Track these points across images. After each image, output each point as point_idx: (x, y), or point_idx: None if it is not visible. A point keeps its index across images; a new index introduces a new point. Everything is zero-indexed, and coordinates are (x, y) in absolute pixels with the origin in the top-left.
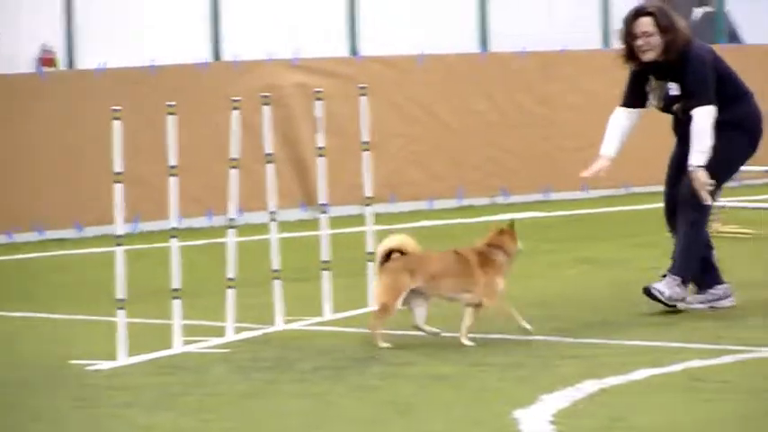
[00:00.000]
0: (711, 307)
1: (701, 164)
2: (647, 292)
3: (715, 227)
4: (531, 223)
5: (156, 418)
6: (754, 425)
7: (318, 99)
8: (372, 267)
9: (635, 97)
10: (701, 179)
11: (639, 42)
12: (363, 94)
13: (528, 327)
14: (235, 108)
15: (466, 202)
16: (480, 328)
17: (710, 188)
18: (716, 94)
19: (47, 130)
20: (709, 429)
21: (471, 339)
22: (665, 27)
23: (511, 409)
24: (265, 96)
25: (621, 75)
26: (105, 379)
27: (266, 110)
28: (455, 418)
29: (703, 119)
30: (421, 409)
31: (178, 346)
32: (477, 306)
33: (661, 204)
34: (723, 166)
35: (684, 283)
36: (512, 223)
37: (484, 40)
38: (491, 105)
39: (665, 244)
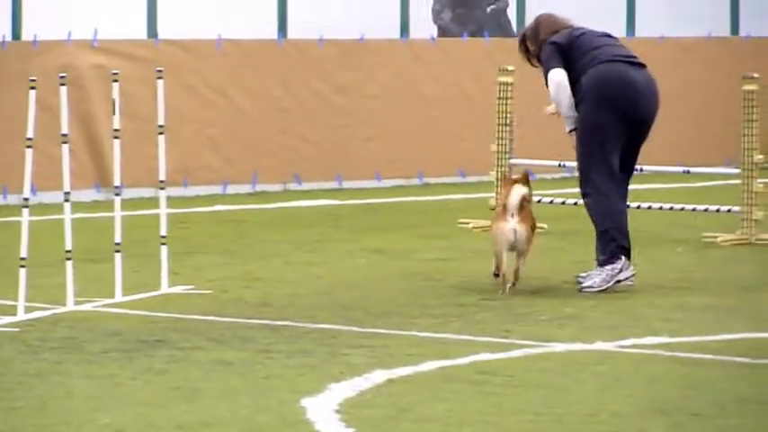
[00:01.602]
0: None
1: (568, 128)
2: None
3: None
4: (323, 211)
5: None
6: (536, 419)
7: (115, 81)
8: (165, 250)
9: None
10: (573, 142)
11: (533, 60)
12: (160, 78)
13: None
14: (32, 88)
15: (259, 187)
16: (265, 315)
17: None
18: (574, 70)
19: None
20: (494, 422)
21: (257, 326)
22: (532, 40)
23: (297, 397)
24: (62, 77)
25: (418, 67)
26: None
27: (63, 90)
28: (241, 404)
29: (551, 86)
30: (207, 394)
31: None
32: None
33: (451, 196)
34: (582, 132)
35: (608, 262)
36: (525, 174)
37: (282, 27)
38: (287, 92)
39: (454, 235)
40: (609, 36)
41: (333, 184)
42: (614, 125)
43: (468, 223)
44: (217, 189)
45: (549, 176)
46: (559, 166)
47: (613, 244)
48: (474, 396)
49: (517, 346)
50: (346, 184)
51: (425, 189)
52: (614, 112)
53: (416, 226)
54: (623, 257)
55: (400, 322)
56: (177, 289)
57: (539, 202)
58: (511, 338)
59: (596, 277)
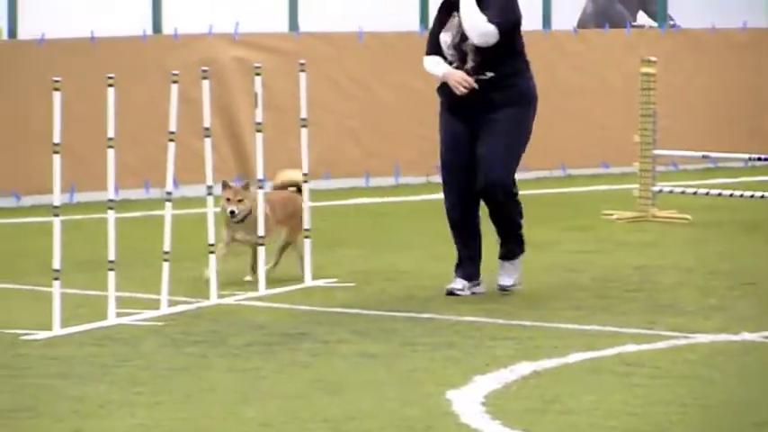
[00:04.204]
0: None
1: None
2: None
3: (651, 212)
4: None
5: (88, 389)
6: (683, 410)
7: (257, 74)
8: (308, 243)
9: (438, 46)
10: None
11: None
12: (302, 71)
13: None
14: (174, 81)
15: (402, 180)
16: (409, 307)
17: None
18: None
19: None
20: (640, 413)
21: (401, 319)
22: None
23: (443, 390)
24: (205, 70)
25: (560, 58)
26: (39, 349)
27: (205, 84)
28: (386, 397)
29: (495, 33)
30: (352, 387)
31: (112, 317)
32: None
33: (595, 187)
34: (521, 135)
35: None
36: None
37: (424, 19)
38: (428, 84)
39: (598, 227)
40: None
41: None
42: None
43: (611, 214)
44: (359, 182)
45: (691, 167)
46: (703, 157)
47: (522, 242)
48: (620, 388)
49: (662, 338)
50: None
51: (568, 180)
52: None
53: (560, 218)
54: None
55: (545, 314)
56: (320, 282)
57: (682, 193)
58: (656, 330)
59: (515, 273)
